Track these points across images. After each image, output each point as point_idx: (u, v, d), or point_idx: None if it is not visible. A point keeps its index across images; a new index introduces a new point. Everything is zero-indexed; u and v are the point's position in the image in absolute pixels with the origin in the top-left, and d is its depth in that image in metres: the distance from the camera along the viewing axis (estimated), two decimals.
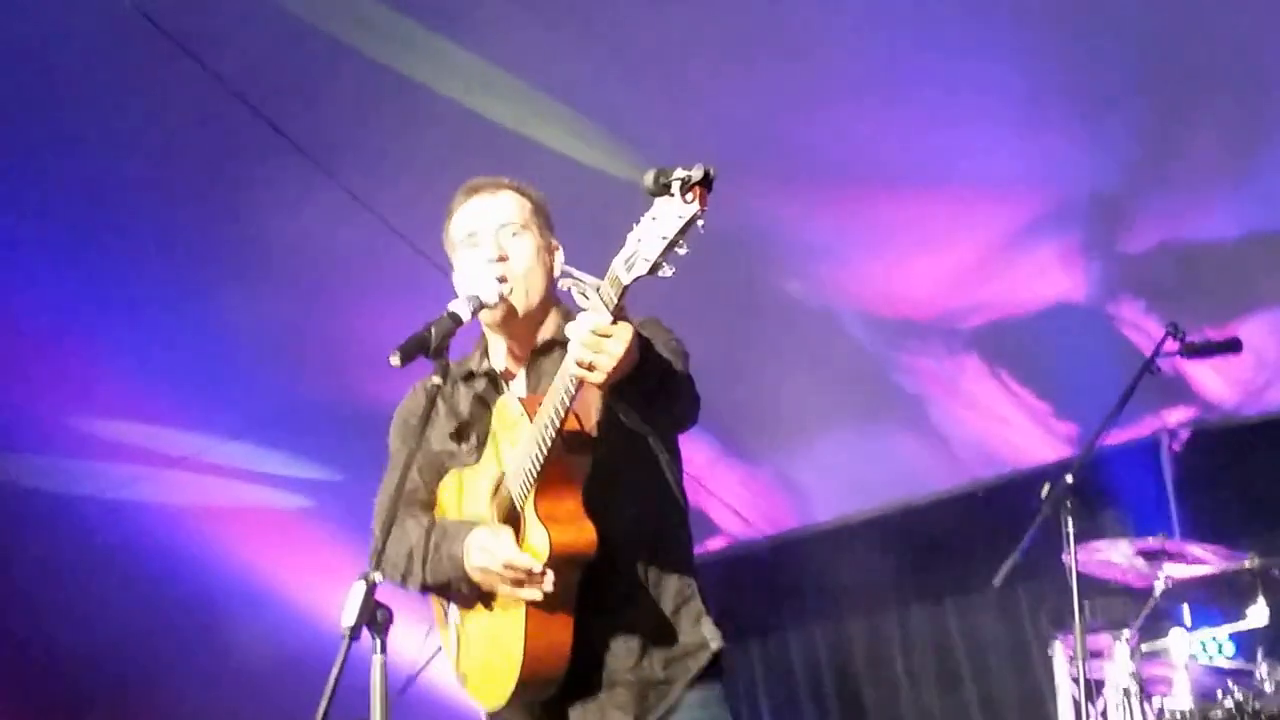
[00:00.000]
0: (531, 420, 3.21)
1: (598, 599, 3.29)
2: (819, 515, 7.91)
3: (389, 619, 3.16)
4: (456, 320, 3.32)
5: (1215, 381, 6.54)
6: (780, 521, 8.06)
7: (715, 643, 3.40)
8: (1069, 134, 5.84)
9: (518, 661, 3.28)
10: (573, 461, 3.23)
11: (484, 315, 3.43)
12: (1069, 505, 5.06)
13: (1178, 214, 6.05)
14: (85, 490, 7.94)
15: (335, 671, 2.99)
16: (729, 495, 8.04)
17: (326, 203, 6.26)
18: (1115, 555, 5.65)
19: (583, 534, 3.21)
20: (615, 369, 2.99)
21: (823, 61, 5.71)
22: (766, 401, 7.26)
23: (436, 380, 3.31)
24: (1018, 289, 6.47)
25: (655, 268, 2.86)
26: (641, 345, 3.05)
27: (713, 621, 3.43)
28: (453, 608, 3.53)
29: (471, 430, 3.53)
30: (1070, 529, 5.05)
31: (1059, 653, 6.18)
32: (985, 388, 6.87)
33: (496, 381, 3.55)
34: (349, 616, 3.01)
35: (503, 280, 3.42)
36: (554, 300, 3.55)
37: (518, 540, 3.25)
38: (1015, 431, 7.07)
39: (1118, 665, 5.57)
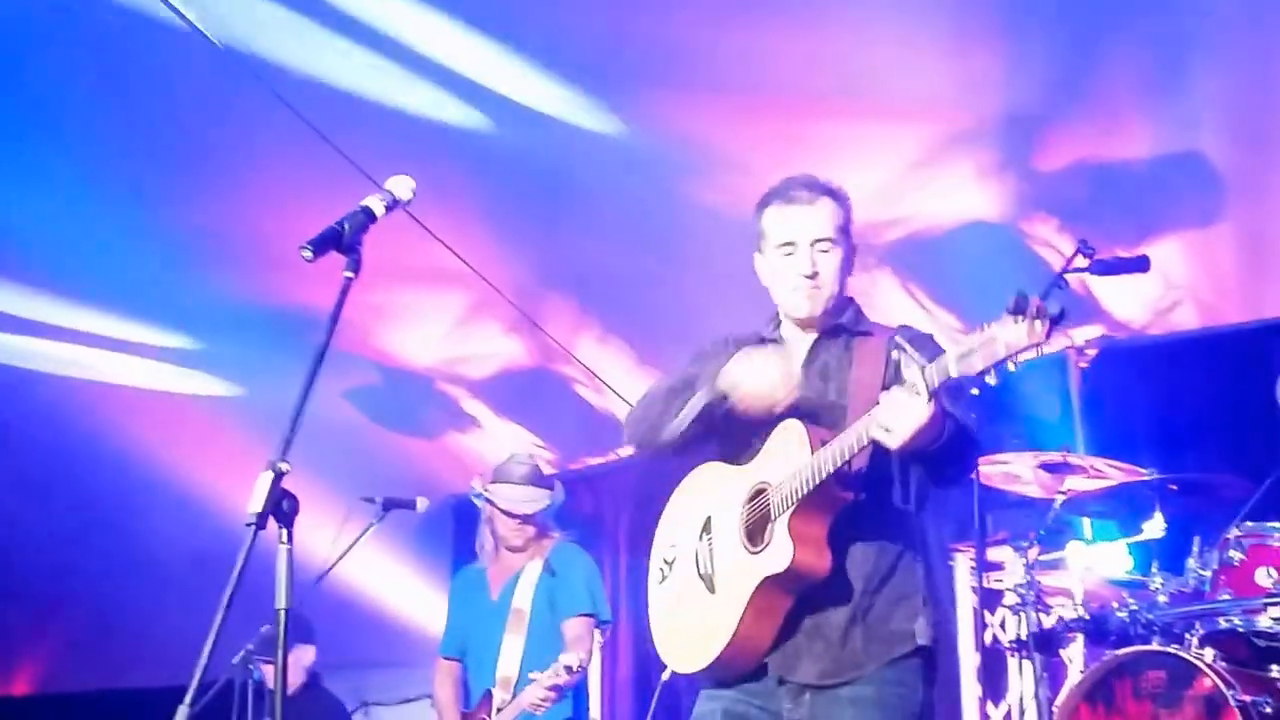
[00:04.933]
0: (813, 450, 3.47)
1: (824, 591, 3.55)
2: None
3: (295, 508, 3.16)
4: (370, 215, 3.33)
5: (1124, 301, 6.63)
6: None
7: (923, 639, 3.62)
8: (989, 53, 5.86)
9: (719, 646, 3.58)
10: (835, 495, 3.49)
11: (784, 312, 3.77)
12: (974, 418, 5.13)
13: (1093, 134, 6.10)
14: None
15: (240, 561, 3.01)
16: None
17: (250, 102, 6.21)
18: (1018, 468, 5.75)
19: (820, 560, 3.50)
20: (910, 439, 3.28)
21: None
22: (683, 312, 7.30)
23: (349, 273, 3.33)
24: (934, 205, 6.52)
25: (985, 373, 3.11)
26: (945, 422, 3.33)
27: (929, 624, 3.65)
28: (670, 580, 3.81)
29: None
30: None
31: (960, 563, 6.32)
32: (896, 301, 6.92)
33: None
34: (255, 505, 3.03)
35: (807, 295, 3.69)
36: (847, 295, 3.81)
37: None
38: None
39: (1016, 576, 5.69)
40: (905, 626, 3.63)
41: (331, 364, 3.25)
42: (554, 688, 5.60)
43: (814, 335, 3.79)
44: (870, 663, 3.58)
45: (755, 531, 3.59)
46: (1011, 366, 3.09)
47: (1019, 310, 3.04)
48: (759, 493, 3.61)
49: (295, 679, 6.84)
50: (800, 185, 3.78)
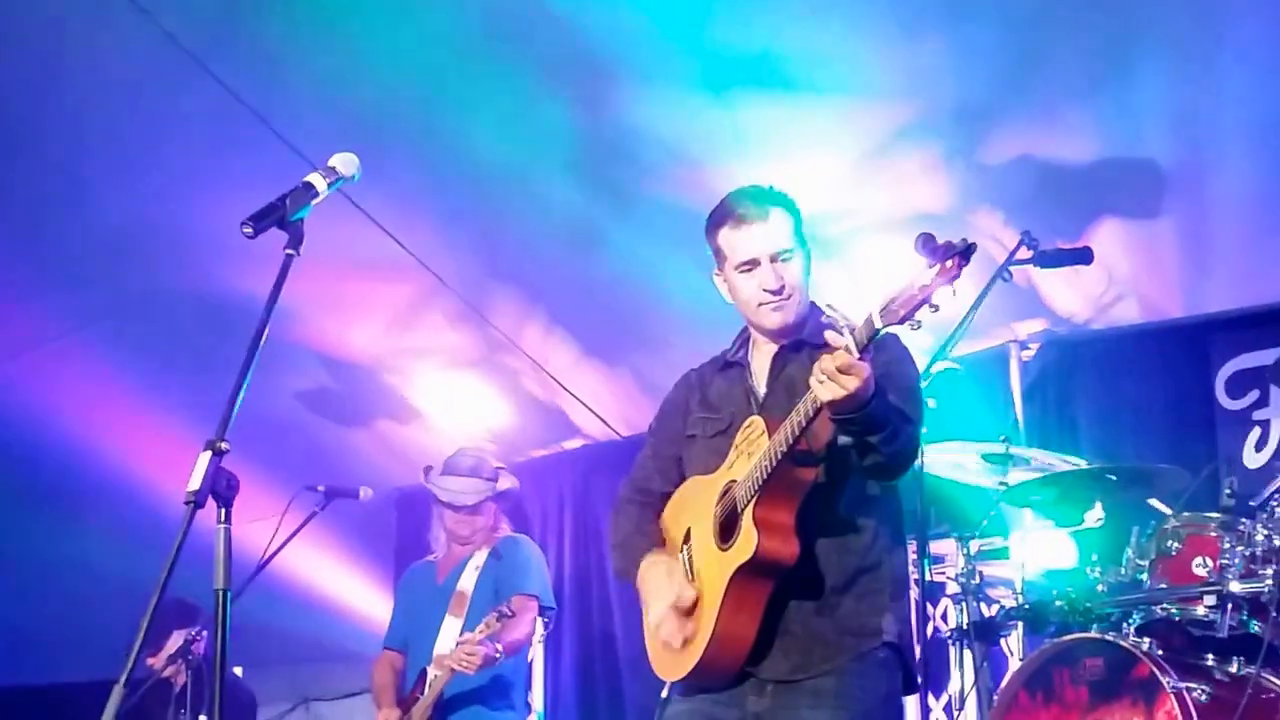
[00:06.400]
0: (770, 438, 3.53)
1: (793, 589, 3.60)
2: None
3: (234, 488, 3.15)
4: (311, 191, 3.32)
5: (1066, 295, 6.64)
6: (637, 423, 8.08)
7: (890, 636, 3.67)
8: (935, 45, 5.86)
9: (700, 648, 3.62)
10: (796, 478, 3.56)
11: (754, 327, 3.87)
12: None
13: (1038, 129, 6.10)
14: None
15: (178, 541, 2.98)
16: (588, 396, 8.08)
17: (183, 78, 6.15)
18: (961, 459, 5.77)
19: (787, 546, 3.54)
20: (846, 399, 3.32)
21: None
22: (628, 303, 7.30)
23: (290, 251, 3.30)
24: (879, 198, 6.50)
25: (905, 319, 3.19)
26: (876, 390, 3.39)
27: (896, 619, 3.70)
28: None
29: (721, 412, 3.88)
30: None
31: None
32: (842, 295, 6.87)
33: (744, 370, 3.87)
34: (194, 483, 3.00)
35: (776, 308, 3.75)
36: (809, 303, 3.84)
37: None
38: None
39: (958, 567, 5.72)
40: (872, 621, 3.66)
41: (274, 354, 3.22)
42: (484, 642, 5.59)
43: (775, 348, 3.83)
44: (837, 657, 3.61)
45: (727, 529, 3.62)
46: (929, 309, 3.16)
47: (928, 250, 3.12)
48: (727, 490, 3.66)
49: (176, 666, 6.48)
50: (749, 201, 3.79)
